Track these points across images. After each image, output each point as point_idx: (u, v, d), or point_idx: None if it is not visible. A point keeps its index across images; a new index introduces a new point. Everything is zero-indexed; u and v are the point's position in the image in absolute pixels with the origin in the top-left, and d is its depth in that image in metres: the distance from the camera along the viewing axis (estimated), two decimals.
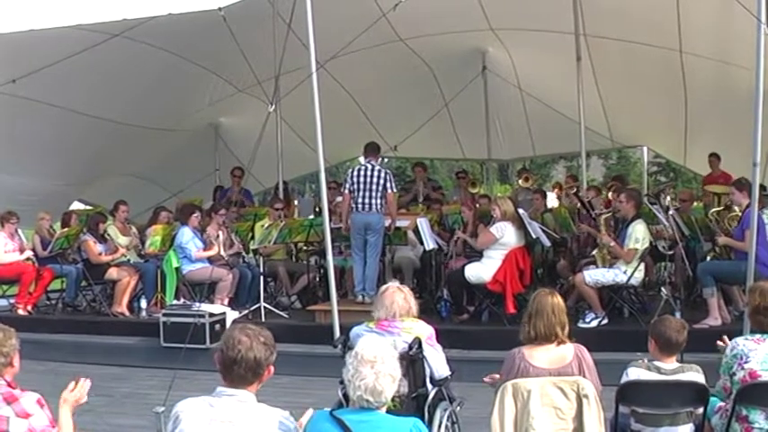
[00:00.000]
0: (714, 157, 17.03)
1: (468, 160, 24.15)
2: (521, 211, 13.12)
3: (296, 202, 20.91)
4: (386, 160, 26.29)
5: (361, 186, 13.27)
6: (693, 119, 17.79)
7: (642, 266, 12.31)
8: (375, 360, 4.65)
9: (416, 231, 13.91)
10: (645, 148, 22.75)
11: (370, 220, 13.30)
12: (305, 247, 15.67)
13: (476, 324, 12.94)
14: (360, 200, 13.27)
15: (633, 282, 12.30)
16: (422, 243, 13.89)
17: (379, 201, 13.29)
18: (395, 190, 13.63)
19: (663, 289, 12.45)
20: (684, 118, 17.85)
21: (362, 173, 13.33)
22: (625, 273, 12.14)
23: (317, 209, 15.41)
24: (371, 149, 13.70)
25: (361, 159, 15.58)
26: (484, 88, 18.67)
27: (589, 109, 16.37)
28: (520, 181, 19.68)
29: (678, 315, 11.14)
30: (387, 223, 13.58)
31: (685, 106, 17.36)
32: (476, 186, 19.81)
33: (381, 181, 13.29)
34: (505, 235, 12.55)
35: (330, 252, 11.84)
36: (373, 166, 13.40)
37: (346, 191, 13.44)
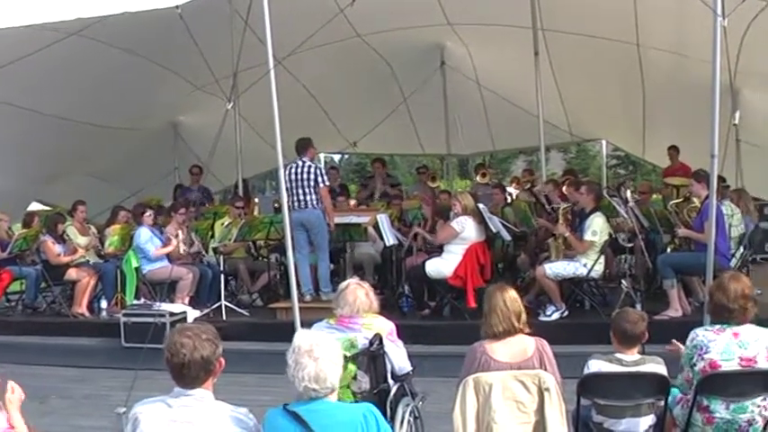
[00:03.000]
0: (673, 150, 17.11)
1: (427, 155, 24.26)
2: (481, 205, 13.13)
3: (256, 200, 20.82)
4: (346, 156, 26.22)
5: (294, 184, 13.20)
6: (651, 112, 17.90)
7: (602, 259, 12.33)
8: (312, 349, 4.66)
9: (377, 227, 13.89)
10: (604, 142, 22.93)
11: (307, 217, 13.26)
12: (265, 245, 15.59)
13: (437, 319, 12.94)
14: (295, 197, 13.20)
15: (594, 274, 12.32)
16: (382, 239, 13.87)
17: (313, 197, 13.24)
18: (327, 183, 13.51)
19: (623, 281, 12.46)
20: (642, 111, 17.95)
21: (294, 170, 13.25)
22: (585, 266, 12.17)
23: (277, 206, 15.33)
24: (302, 146, 13.55)
25: (323, 155, 15.51)
26: (443, 83, 18.71)
27: (547, 103, 16.43)
28: (478, 177, 19.68)
29: (639, 307, 11.24)
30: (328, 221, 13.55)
31: (643, 99, 17.46)
32: (436, 180, 19.83)
33: (312, 176, 13.23)
34: (466, 229, 12.55)
35: (291, 249, 11.79)
36: (304, 163, 13.34)
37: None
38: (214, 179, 19.74)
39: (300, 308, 11.70)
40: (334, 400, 4.75)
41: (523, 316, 6.20)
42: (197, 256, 14.87)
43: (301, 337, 4.81)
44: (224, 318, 13.48)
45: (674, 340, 6.66)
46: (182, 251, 14.29)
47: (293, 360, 4.68)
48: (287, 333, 11.13)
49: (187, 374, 4.52)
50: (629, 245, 13.02)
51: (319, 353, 4.65)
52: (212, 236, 15.48)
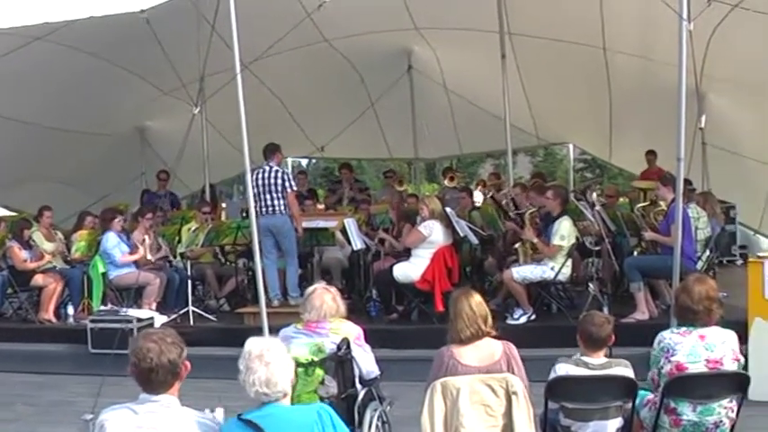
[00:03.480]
0: (651, 155, 17.04)
1: (395, 160, 24.19)
2: (448, 209, 13.13)
3: (223, 205, 20.76)
4: (314, 161, 26.15)
5: (262, 189, 13.16)
6: (618, 115, 17.95)
7: (569, 262, 12.36)
8: (262, 354, 4.69)
9: (344, 232, 13.86)
10: (571, 145, 22.98)
11: (274, 223, 13.24)
12: (233, 250, 15.54)
13: (405, 323, 12.93)
14: (262, 203, 13.16)
15: (561, 278, 12.33)
16: (350, 243, 13.84)
17: (281, 202, 13.22)
18: (294, 188, 13.51)
19: (590, 284, 12.49)
20: (609, 115, 18.00)
21: (261, 175, 13.22)
22: (553, 269, 12.18)
23: (245, 211, 15.28)
24: (270, 151, 13.51)
25: (290, 160, 15.45)
26: (410, 87, 18.73)
27: (515, 107, 16.44)
28: (446, 181, 19.69)
29: (606, 310, 11.24)
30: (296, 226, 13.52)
31: (610, 103, 17.52)
32: (403, 184, 19.83)
33: (280, 181, 13.20)
34: (433, 233, 12.54)
35: (258, 254, 11.76)
36: (271, 168, 13.30)
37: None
38: (181, 184, 19.66)
39: (268, 313, 11.65)
40: (287, 404, 4.75)
41: (490, 319, 6.22)
42: (164, 261, 14.79)
43: (252, 342, 4.86)
44: (191, 323, 13.43)
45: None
46: (149, 257, 14.21)
47: (244, 366, 4.71)
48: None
49: (155, 379, 4.50)
50: (596, 248, 13.07)
51: (270, 358, 4.67)
52: (179, 241, 15.41)
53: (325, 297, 6.77)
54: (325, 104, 19.26)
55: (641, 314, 11.82)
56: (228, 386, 10.27)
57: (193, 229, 14.85)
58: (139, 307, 13.58)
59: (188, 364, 4.62)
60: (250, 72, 13.63)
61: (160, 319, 13.11)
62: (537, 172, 24.17)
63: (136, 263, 13.96)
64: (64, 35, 13.93)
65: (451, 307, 6.27)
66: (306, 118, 19.89)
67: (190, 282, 14.25)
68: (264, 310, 11.55)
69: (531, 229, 12.61)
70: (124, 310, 13.19)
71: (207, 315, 13.91)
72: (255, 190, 12.91)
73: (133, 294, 13.85)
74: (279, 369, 4.66)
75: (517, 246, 12.88)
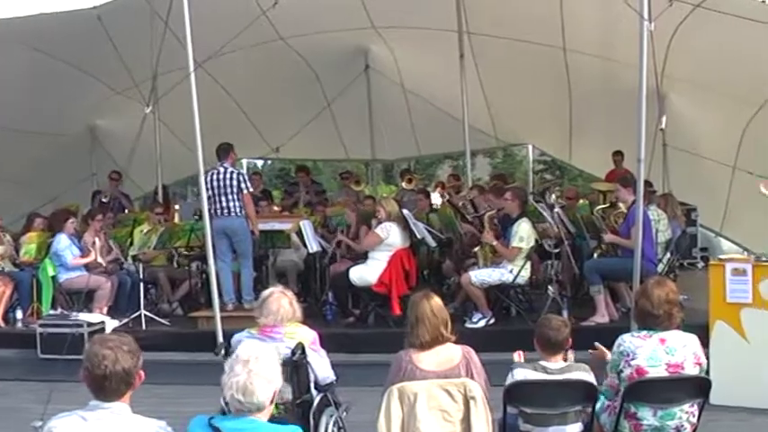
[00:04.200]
0: (618, 156, 17.00)
1: (352, 161, 24.16)
2: (405, 211, 13.12)
3: (177, 206, 20.66)
4: (269, 162, 26.05)
5: (217, 191, 13.08)
6: (578, 116, 18.01)
7: (528, 265, 12.39)
8: (249, 359, 4.59)
9: (300, 234, 13.83)
10: (530, 146, 23.03)
11: (229, 225, 13.15)
12: (186, 253, 15.45)
13: (362, 327, 12.90)
14: (217, 204, 13.08)
15: (520, 281, 12.33)
16: (305, 246, 13.81)
17: (236, 204, 13.13)
18: (250, 189, 13.43)
19: (550, 287, 12.52)
20: (569, 115, 18.05)
21: (216, 177, 13.13)
22: (511, 272, 12.20)
23: (199, 213, 15.20)
24: (223, 151, 13.42)
25: (245, 161, 15.36)
26: (367, 87, 18.75)
27: (473, 107, 16.50)
28: (403, 183, 19.70)
29: (565, 313, 11.35)
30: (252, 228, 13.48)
31: (570, 104, 17.57)
32: (360, 184, 19.81)
33: (235, 182, 13.12)
34: (391, 236, 12.54)
35: (212, 257, 11.71)
36: (226, 169, 13.21)
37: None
38: (133, 185, 19.54)
39: (222, 317, 11.63)
40: (264, 420, 4.64)
41: (450, 324, 6.21)
42: (115, 264, 14.69)
43: (246, 346, 4.80)
44: (143, 327, 13.31)
45: (596, 344, 6.71)
46: (100, 260, 14.10)
47: (229, 366, 4.63)
48: (208, 343, 11.14)
49: (107, 387, 4.44)
50: (556, 251, 13.08)
51: (254, 366, 4.56)
52: (131, 243, 15.29)
53: (282, 301, 6.73)
54: (281, 104, 19.20)
55: (601, 317, 11.89)
56: (181, 392, 10.31)
57: (146, 231, 14.73)
58: (90, 311, 13.48)
59: (142, 374, 4.57)
60: (204, 71, 13.55)
61: (111, 324, 13.00)
62: (498, 173, 24.26)
63: (87, 266, 13.86)
64: (13, 31, 13.79)
65: (411, 310, 6.25)
66: (261, 118, 19.82)
67: (142, 285, 14.13)
68: (218, 314, 11.52)
69: (490, 231, 12.63)
70: (75, 314, 13.08)
71: (159, 319, 13.79)
72: (210, 191, 12.86)
73: (84, 298, 13.73)
74: (260, 380, 4.53)
75: (476, 249, 12.91)
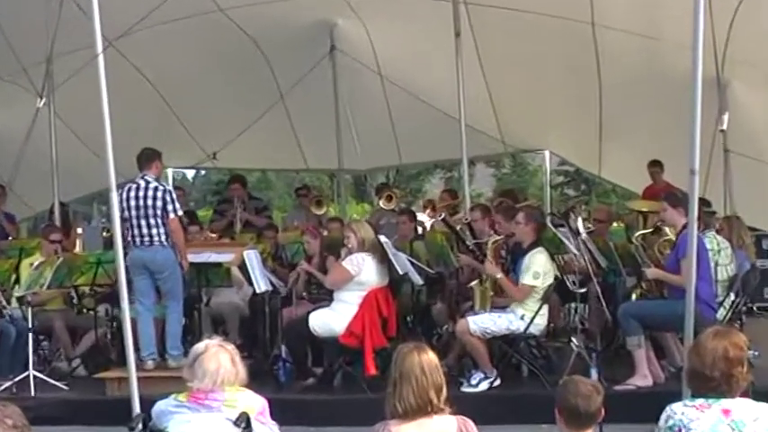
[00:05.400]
0: (656, 167, 17.04)
1: (312, 171, 24.25)
2: (383, 238, 13.07)
3: (79, 231, 20.60)
4: (202, 173, 26.03)
5: (135, 212, 13.04)
6: (611, 113, 18.01)
7: (545, 309, 12.37)
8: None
9: (243, 268, 13.80)
10: (547, 153, 23.01)
11: (151, 257, 13.12)
12: (92, 293, 15.39)
13: (326, 391, 12.87)
14: (136, 230, 13.06)
15: (534, 330, 12.32)
16: (250, 283, 13.76)
17: (161, 229, 13.11)
18: (179, 213, 13.35)
19: (573, 339, 12.51)
20: (599, 113, 18.07)
21: (134, 193, 13.09)
22: (523, 318, 12.18)
23: (109, 240, 15.15)
24: (146, 159, 13.34)
25: (171, 171, 15.30)
26: (333, 75, 18.72)
27: (473, 102, 16.47)
28: (381, 201, 19.69)
29: (595, 374, 11.31)
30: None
31: (599, 97, 17.59)
32: (322, 206, 19.80)
33: (160, 202, 13.06)
34: (363, 271, 12.51)
35: (125, 298, 11.63)
36: (148, 183, 13.16)
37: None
38: (20, 202, 19.46)
39: (140, 378, 11.53)
40: None
41: (444, 390, 6.18)
42: None
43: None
44: (33, 393, 13.20)
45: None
46: None
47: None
48: (120, 413, 11.06)
49: None
50: (582, 290, 13.08)
51: None
52: (17, 280, 15.21)
53: (221, 358, 6.69)
54: (219, 97, 19.20)
55: (642, 378, 11.85)
56: None
57: (37, 264, 14.66)
58: None
59: None
60: (116, 51, 13.56)
61: None
62: (506, 189, 24.26)
63: None
64: None
65: (395, 366, 6.21)
66: (192, 114, 19.82)
67: (31, 336, 14.07)
68: (134, 375, 11.41)
69: (495, 263, 12.61)
70: None
71: (55, 382, 13.71)
72: (126, 212, 12.86)
73: None
74: None
75: (473, 284, 12.86)
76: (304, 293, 14.33)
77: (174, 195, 13.52)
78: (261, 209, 19.06)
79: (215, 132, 20.33)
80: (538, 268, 12.20)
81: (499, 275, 12.46)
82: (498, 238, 13.08)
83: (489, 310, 12.50)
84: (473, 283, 12.91)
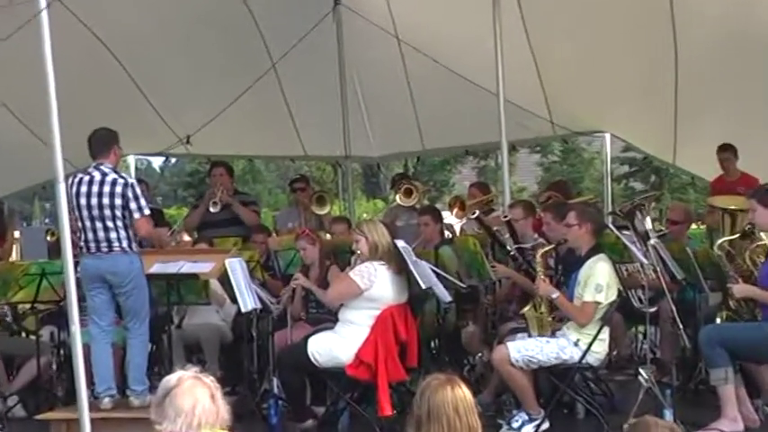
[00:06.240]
0: (728, 152, 17.03)
1: (311, 159, 24.20)
2: (401, 243, 13.07)
3: (16, 234, 20.64)
4: (172, 161, 26.05)
5: (88, 211, 12.88)
6: (689, 89, 17.94)
7: (606, 333, 12.33)
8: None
9: (225, 281, 13.80)
10: (608, 136, 22.90)
11: (110, 267, 12.97)
12: (32, 312, 15.42)
13: None
14: (90, 233, 12.93)
15: (591, 359, 12.27)
16: (234, 300, 13.78)
17: (123, 233, 12.94)
18: (146, 211, 13.10)
19: (642, 371, 12.49)
20: (674, 87, 18.02)
21: (87, 189, 12.91)
22: (577, 344, 12.14)
23: (55, 246, 15.17)
24: (102, 143, 13.13)
25: (132, 159, 15.27)
26: (337, 37, 18.74)
27: (514, 73, 16.45)
28: (398, 196, 19.64)
29: (669, 415, 11.30)
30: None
31: (675, 68, 17.54)
32: (324, 204, 19.81)
33: (119, 200, 12.91)
34: (376, 284, 12.49)
35: (76, 319, 11.64)
36: (105, 174, 12.98)
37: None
38: None
39: (94, 420, 11.56)
40: None
41: None
42: None
43: None
44: None
45: None
46: None
47: None
48: None
49: None
50: (652, 309, 13.07)
51: None
52: None
53: (198, 393, 6.67)
54: (194, 65, 19.21)
55: (730, 422, 11.82)
56: None
57: None
58: None
59: None
60: (63, 7, 13.57)
61: None
62: (556, 181, 24.22)
63: None
64: None
65: (421, 404, 6.23)
66: (161, 88, 19.82)
67: None
68: (87, 417, 11.43)
69: (545, 277, 12.55)
70: None
71: None
72: (77, 211, 12.82)
73: None
74: None
75: (526, 310, 12.77)
76: (301, 313, 14.31)
77: (139, 190, 13.36)
78: (248, 203, 18.87)
79: (189, 110, 20.33)
80: (600, 280, 12.07)
81: (555, 295, 12.33)
82: (549, 247, 13.03)
83: (544, 333, 12.44)
84: (525, 309, 12.78)
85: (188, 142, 20.65)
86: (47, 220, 29.48)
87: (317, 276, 14.31)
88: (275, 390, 13.48)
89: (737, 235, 13.12)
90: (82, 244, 12.77)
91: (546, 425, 12.25)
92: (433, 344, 14.95)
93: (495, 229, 15.06)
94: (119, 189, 12.88)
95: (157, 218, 17.17)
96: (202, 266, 13.95)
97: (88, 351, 12.20)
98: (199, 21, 18.04)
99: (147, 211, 13.22)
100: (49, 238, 16.29)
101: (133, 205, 12.89)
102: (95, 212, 12.86)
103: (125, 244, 12.94)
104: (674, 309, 12.78)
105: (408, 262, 12.79)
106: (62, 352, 14.87)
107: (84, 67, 15.83)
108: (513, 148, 18.43)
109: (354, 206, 24.52)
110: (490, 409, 12.60)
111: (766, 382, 12.58)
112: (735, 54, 15.96)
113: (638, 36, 17.03)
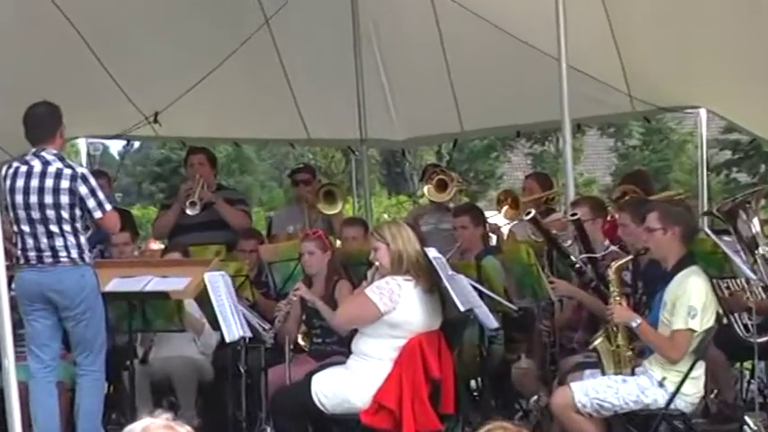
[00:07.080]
0: None
1: (316, 144, 24.30)
2: (432, 252, 13.02)
3: None
4: (135, 145, 26.21)
5: (25, 211, 12.88)
6: None
7: (700, 370, 12.28)
8: None
9: (204, 301, 13.78)
10: (703, 113, 22.84)
11: (55, 283, 12.96)
12: None
13: None
14: (30, 240, 12.92)
15: (681, 404, 12.21)
16: (215, 327, 13.77)
17: (71, 239, 12.96)
18: (107, 207, 13.17)
19: (748, 419, 12.49)
20: None
21: (24, 182, 12.91)
22: (662, 385, 12.11)
23: None
24: (43, 124, 13.10)
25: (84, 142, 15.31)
26: None
27: (582, 33, 16.45)
28: (428, 190, 19.57)
29: None
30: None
31: None
32: (334, 201, 19.80)
33: (65, 197, 12.86)
34: (401, 305, 12.45)
35: (10, 351, 11.65)
36: (46, 164, 12.95)
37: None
38: None
39: None
40: None
41: None
42: None
43: None
44: None
45: None
46: None
47: None
48: None
49: None
50: (761, 339, 13.04)
51: None
52: None
53: None
54: (165, 25, 19.20)
55: None
56: None
57: None
58: None
59: None
60: None
61: None
62: (634, 171, 24.23)
63: None
64: None
65: None
66: (120, 51, 19.81)
67: None
68: None
69: (622, 299, 12.44)
70: None
71: None
72: (12, 211, 12.84)
73: None
74: None
75: (597, 343, 12.65)
76: (302, 341, 14.29)
77: (94, 181, 13.30)
78: (236, 200, 18.89)
79: (157, 82, 20.32)
80: (694, 301, 11.80)
81: (636, 323, 12.06)
82: (626, 258, 12.92)
83: (613, 369, 12.29)
84: (597, 342, 12.61)
85: (155, 121, 20.65)
86: None
87: (320, 293, 14.22)
88: None
89: None
90: (19, 252, 12.71)
91: None
92: (474, 383, 14.95)
93: (554, 233, 14.95)
94: (65, 183, 12.81)
95: (122, 216, 17.05)
96: (175, 283, 13.95)
97: (26, 392, 12.19)
98: None
99: (108, 206, 13.26)
100: None
101: (91, 203, 12.89)
102: (35, 213, 12.85)
103: (74, 254, 12.90)
104: None
105: (442, 276, 12.73)
106: None
107: (17, 24, 15.81)
108: (578, 129, 18.42)
109: (372, 204, 24.55)
110: None
111: None
112: None
113: None
